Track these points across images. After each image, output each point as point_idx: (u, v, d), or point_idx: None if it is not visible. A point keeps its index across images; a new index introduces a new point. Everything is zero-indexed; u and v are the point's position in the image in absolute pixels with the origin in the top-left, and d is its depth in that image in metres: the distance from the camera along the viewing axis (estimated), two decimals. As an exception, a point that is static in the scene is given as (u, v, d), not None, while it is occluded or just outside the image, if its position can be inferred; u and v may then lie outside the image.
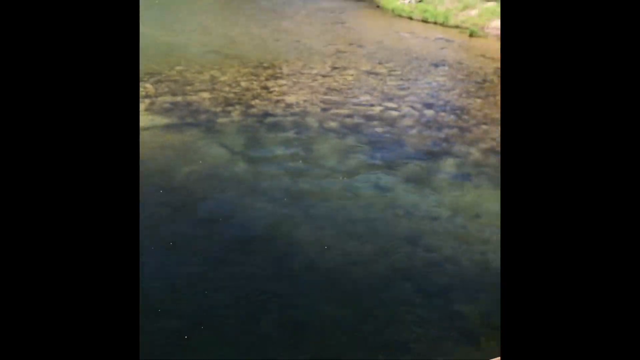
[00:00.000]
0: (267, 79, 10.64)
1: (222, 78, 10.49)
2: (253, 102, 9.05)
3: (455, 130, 8.13)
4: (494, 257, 4.77)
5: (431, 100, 9.65)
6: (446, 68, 12.34)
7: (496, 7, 17.66)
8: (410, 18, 19.67)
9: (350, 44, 14.65)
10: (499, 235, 5.14)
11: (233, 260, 4.53)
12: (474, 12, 18.14)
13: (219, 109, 8.60)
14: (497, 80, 11.32)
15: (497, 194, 6.04)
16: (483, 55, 13.74)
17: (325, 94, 9.78)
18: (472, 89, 10.64)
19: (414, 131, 8.02)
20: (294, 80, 10.75)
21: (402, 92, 10.06)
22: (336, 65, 11.97)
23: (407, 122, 8.44)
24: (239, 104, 8.94)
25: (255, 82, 10.34)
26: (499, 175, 6.50)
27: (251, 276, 4.33)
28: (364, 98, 9.61)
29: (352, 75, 11.22)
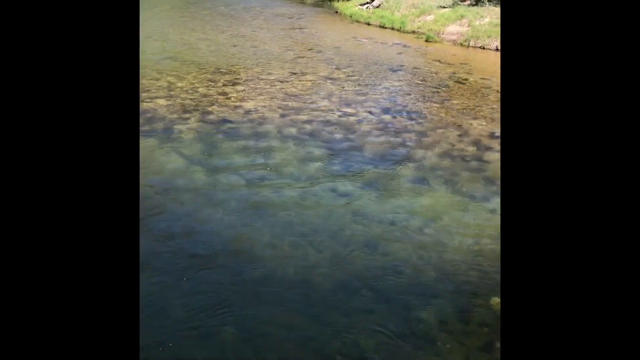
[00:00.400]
0: (225, 85, 10.55)
1: (180, 84, 10.34)
2: (211, 109, 8.95)
3: (412, 135, 8.25)
4: (450, 260, 4.85)
5: (389, 105, 9.77)
6: (403, 73, 12.52)
7: (451, 12, 18.05)
8: (368, 24, 19.91)
9: (309, 50, 14.69)
10: (456, 240, 5.26)
11: (191, 276, 4.45)
12: (429, 18, 18.50)
13: (175, 116, 8.46)
14: (452, 84, 11.56)
15: (453, 197, 6.15)
16: (439, 61, 14.00)
17: (284, 99, 9.77)
18: (429, 94, 10.83)
19: (372, 136, 8.09)
20: (252, 86, 10.69)
21: (361, 98, 10.15)
22: (294, 71, 11.97)
23: (366, 127, 8.51)
24: (197, 110, 8.83)
25: (213, 88, 10.23)
26: (455, 178, 6.63)
27: (210, 291, 4.27)
28: (323, 103, 9.64)
29: (310, 80, 11.25)
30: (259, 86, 10.64)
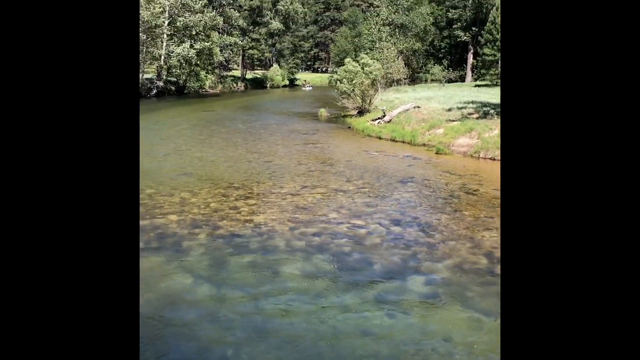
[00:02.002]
0: (236, 199, 10.72)
1: (192, 200, 10.54)
2: (221, 223, 9.02)
3: (423, 247, 8.12)
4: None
5: (399, 217, 9.75)
6: (414, 184, 12.66)
7: (460, 125, 18.62)
8: (380, 137, 20.56)
9: (321, 163, 15.07)
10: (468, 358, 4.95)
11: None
12: (439, 131, 19.08)
13: (185, 232, 8.52)
14: (463, 195, 11.59)
15: (466, 314, 5.88)
16: (449, 172, 14.19)
17: (294, 212, 9.83)
18: (439, 205, 10.84)
19: (381, 249, 7.98)
20: (264, 199, 10.85)
21: (370, 209, 10.18)
22: (306, 184, 12.19)
23: (375, 239, 8.43)
24: (207, 225, 8.89)
25: (225, 203, 10.39)
26: (467, 293, 6.38)
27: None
28: (332, 216, 9.67)
29: (321, 193, 11.39)
30: (270, 200, 10.79)
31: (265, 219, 9.39)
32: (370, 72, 25.29)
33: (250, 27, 63.82)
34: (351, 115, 26.50)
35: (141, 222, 8.74)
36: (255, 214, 9.72)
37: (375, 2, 55.23)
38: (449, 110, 21.66)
